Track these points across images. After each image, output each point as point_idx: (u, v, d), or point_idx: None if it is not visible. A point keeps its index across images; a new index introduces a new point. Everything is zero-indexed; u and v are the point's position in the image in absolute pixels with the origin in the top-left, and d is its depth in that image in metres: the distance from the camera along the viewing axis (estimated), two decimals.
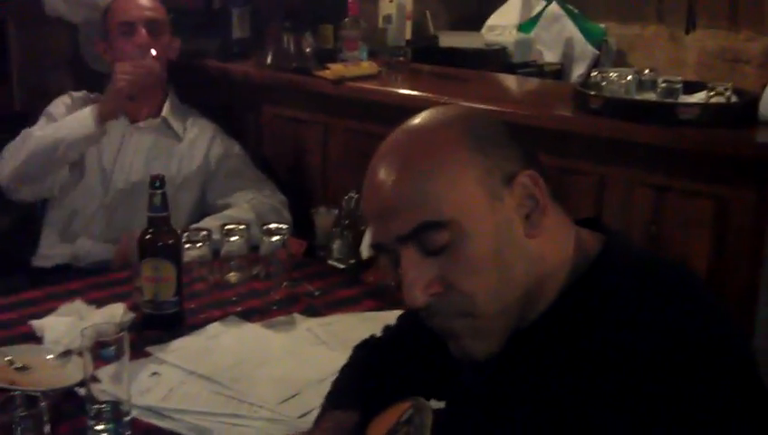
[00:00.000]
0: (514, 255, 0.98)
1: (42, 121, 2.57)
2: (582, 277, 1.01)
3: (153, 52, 2.48)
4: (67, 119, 2.49)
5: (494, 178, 0.98)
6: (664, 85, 2.08)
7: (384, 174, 1.00)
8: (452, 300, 0.98)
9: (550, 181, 1.02)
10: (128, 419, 1.48)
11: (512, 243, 0.98)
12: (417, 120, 1.04)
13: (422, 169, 0.98)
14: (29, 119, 2.64)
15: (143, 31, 2.51)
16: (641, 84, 2.13)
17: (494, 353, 1.01)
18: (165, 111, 2.61)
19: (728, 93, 2.02)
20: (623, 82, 2.12)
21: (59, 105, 2.60)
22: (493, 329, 0.99)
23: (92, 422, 1.46)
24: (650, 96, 2.10)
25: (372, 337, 1.43)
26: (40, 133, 2.48)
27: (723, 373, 0.90)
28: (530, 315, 1.01)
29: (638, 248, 1.10)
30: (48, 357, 1.71)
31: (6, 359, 1.67)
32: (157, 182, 1.86)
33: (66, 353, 1.71)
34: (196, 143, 2.61)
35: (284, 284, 2.08)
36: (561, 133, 2.08)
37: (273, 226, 2.13)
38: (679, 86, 2.08)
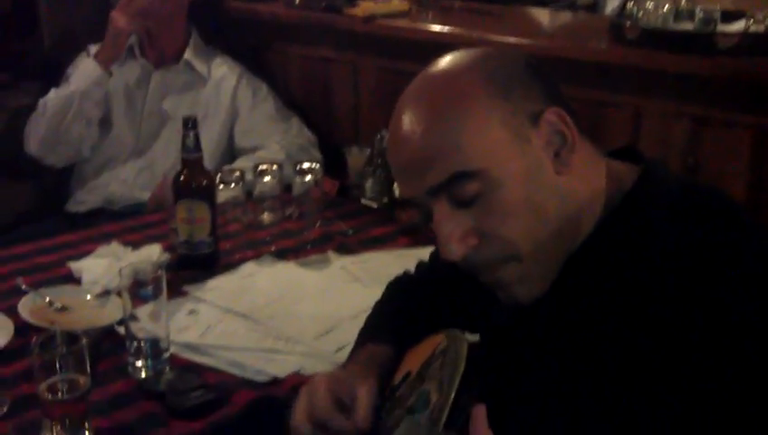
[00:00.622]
0: (546, 194, 0.97)
1: (63, 84, 2.61)
2: (617, 209, 1.00)
3: None
4: (74, 74, 2.53)
5: (520, 120, 0.97)
6: (701, 15, 2.03)
7: (408, 128, 0.98)
8: (492, 249, 0.97)
9: (576, 116, 1.00)
10: (166, 355, 1.51)
11: (543, 183, 0.97)
12: (436, 68, 1.01)
13: (447, 120, 0.96)
14: (58, 65, 2.65)
15: None
16: (678, 14, 2.08)
17: (541, 296, 1.00)
18: (187, 53, 2.60)
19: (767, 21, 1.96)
20: (660, 12, 2.07)
21: (77, 64, 2.62)
22: (537, 271, 0.99)
23: (132, 359, 1.49)
24: (687, 26, 2.04)
25: (406, 273, 1.43)
26: (53, 96, 2.52)
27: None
28: (566, 255, 1.00)
29: (676, 175, 1.08)
30: (87, 298, 1.74)
31: (46, 300, 1.69)
32: (189, 123, 1.86)
33: (104, 294, 1.74)
34: (222, 84, 2.61)
35: (318, 223, 2.09)
36: (597, 66, 2.05)
37: (305, 165, 2.13)
38: (717, 15, 2.02)
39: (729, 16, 2.05)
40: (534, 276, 0.99)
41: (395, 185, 2.19)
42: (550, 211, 0.97)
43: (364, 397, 1.11)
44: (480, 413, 0.90)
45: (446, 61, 1.02)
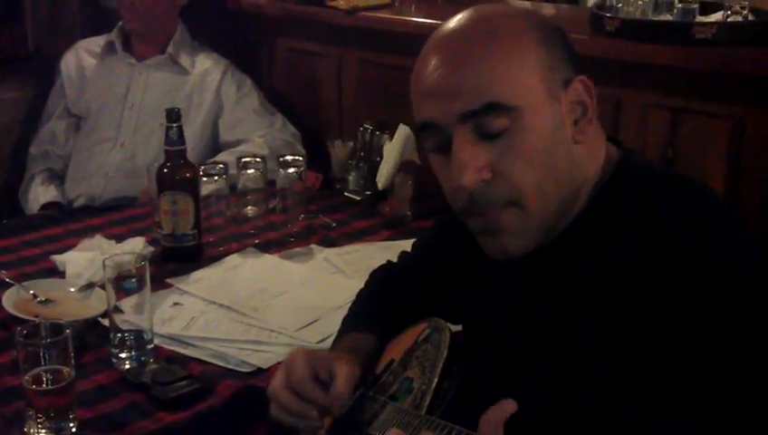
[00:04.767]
0: (562, 155, 1.00)
1: (57, 85, 2.65)
2: (606, 186, 1.03)
3: None
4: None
5: (555, 77, 0.99)
6: (680, 6, 2.04)
7: (453, 52, 0.99)
8: (500, 188, 0.98)
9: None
10: (150, 347, 1.51)
11: (562, 143, 0.99)
12: (478, 10, 1.03)
13: (496, 50, 0.98)
14: (42, 59, 2.65)
15: None
16: (657, 6, 2.10)
17: (529, 252, 1.02)
18: (171, 46, 2.59)
19: (745, 12, 1.98)
20: (639, 3, 2.09)
21: (69, 62, 2.63)
22: (534, 224, 1.00)
23: (116, 351, 1.50)
24: (667, 17, 2.06)
25: (389, 262, 1.44)
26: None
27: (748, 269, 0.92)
28: (561, 223, 1.02)
29: (653, 162, 1.12)
30: (71, 290, 1.74)
31: (30, 293, 1.70)
32: (173, 115, 1.86)
33: (88, 286, 1.74)
34: (207, 78, 2.60)
35: (301, 216, 2.09)
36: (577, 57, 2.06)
37: (289, 158, 2.13)
38: (696, 6, 2.04)
39: (707, 7, 2.07)
40: (530, 229, 1.01)
41: (377, 178, 2.20)
42: (562, 172, 1.00)
43: (343, 374, 1.12)
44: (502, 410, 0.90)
45: (483, 6, 1.03)
